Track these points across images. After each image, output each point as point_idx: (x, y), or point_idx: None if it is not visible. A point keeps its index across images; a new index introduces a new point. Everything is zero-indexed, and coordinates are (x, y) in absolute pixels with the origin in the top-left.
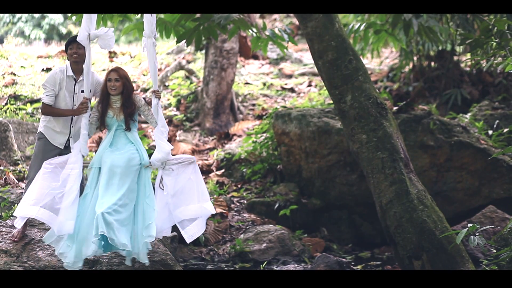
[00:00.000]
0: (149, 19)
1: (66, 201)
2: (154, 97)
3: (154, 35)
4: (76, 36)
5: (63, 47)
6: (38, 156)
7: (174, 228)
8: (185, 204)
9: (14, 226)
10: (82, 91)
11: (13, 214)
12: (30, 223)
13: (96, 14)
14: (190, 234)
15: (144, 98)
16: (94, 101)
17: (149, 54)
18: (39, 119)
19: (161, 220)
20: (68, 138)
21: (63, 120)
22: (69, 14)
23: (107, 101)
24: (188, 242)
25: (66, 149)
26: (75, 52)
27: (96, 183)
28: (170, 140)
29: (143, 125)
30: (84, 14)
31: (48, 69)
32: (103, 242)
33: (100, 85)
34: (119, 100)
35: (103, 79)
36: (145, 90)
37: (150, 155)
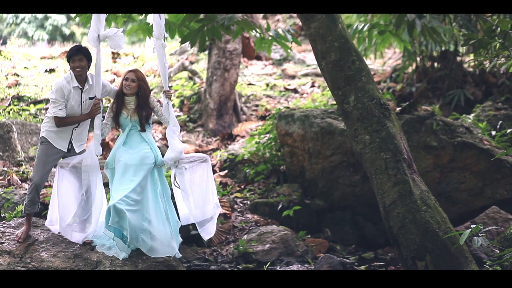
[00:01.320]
0: (158, 21)
1: (95, 211)
2: (164, 97)
3: (163, 37)
4: (75, 48)
5: (66, 48)
6: (42, 159)
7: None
8: (204, 204)
9: (17, 227)
10: (90, 98)
11: (60, 233)
12: (33, 224)
13: (105, 15)
14: (208, 232)
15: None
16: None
17: (159, 55)
18: (42, 120)
19: (182, 212)
20: (70, 140)
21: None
22: (73, 15)
23: (122, 101)
24: (205, 240)
25: (69, 152)
26: (78, 66)
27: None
28: None
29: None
30: (93, 15)
31: (52, 70)
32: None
33: (105, 88)
34: (134, 101)
35: (107, 81)
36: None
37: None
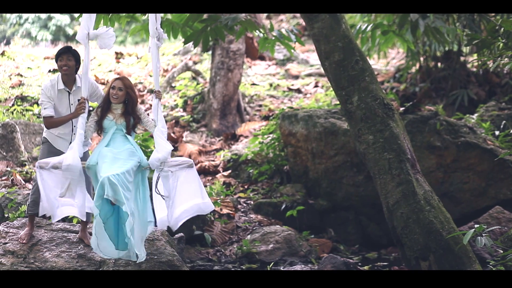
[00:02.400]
0: (153, 20)
1: (79, 196)
2: (155, 97)
3: (158, 36)
4: (65, 47)
5: None
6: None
7: (181, 229)
8: (183, 202)
9: (21, 227)
10: (79, 100)
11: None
12: (37, 224)
13: (95, 14)
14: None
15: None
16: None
17: (153, 55)
18: None
19: (160, 221)
20: (71, 142)
21: (63, 126)
22: (76, 15)
23: (108, 107)
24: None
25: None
26: (65, 64)
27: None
28: (177, 141)
29: None
30: (83, 14)
31: (55, 70)
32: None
33: (95, 90)
34: (120, 108)
35: (97, 83)
36: (151, 91)
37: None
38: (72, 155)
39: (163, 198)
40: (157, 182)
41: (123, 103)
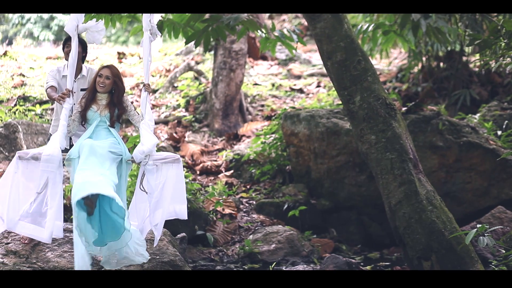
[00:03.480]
0: (147, 15)
1: (53, 202)
2: (144, 90)
3: (150, 30)
4: None
5: None
6: None
7: (183, 229)
8: (163, 206)
9: None
10: (82, 89)
11: None
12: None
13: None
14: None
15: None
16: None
17: (145, 48)
18: (48, 120)
19: (142, 220)
20: (70, 137)
21: (63, 120)
22: None
23: (93, 96)
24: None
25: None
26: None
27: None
28: (179, 141)
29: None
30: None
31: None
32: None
33: (93, 74)
34: (106, 98)
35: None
36: (154, 91)
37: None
38: (53, 145)
39: (147, 194)
40: (142, 178)
41: (109, 93)
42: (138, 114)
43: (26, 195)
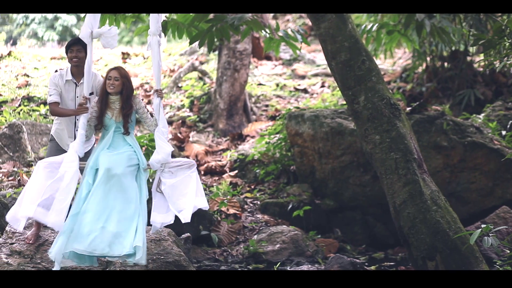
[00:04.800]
0: (156, 17)
1: (60, 198)
2: (156, 96)
3: (159, 34)
4: (75, 38)
5: None
6: (51, 156)
7: (187, 229)
8: (182, 195)
9: (27, 228)
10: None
11: (7, 217)
12: (43, 225)
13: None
14: (184, 217)
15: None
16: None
17: (153, 52)
18: (53, 120)
19: (160, 217)
20: (74, 137)
21: (67, 123)
22: (82, 15)
23: (106, 100)
24: (183, 222)
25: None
26: (76, 56)
27: (91, 182)
28: (184, 141)
29: None
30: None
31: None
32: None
33: (97, 79)
34: (118, 101)
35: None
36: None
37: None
38: (72, 154)
39: (163, 196)
40: (158, 182)
41: (120, 94)
42: (151, 118)
43: (44, 189)
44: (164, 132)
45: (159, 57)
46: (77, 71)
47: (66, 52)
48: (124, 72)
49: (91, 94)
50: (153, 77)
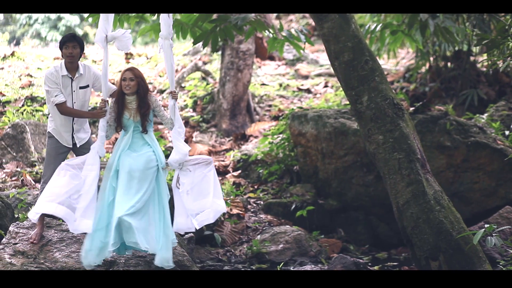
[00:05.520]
0: (166, 20)
1: (83, 201)
2: (171, 98)
3: (171, 36)
4: (70, 35)
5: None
6: (51, 154)
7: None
8: (200, 198)
9: (31, 228)
10: (80, 88)
11: (29, 213)
12: (47, 225)
13: (113, 15)
14: (200, 221)
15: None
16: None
17: (166, 55)
18: None
19: (180, 218)
20: (72, 135)
21: (65, 119)
22: (86, 15)
23: (123, 101)
24: (197, 228)
25: (74, 146)
26: (71, 52)
27: (114, 185)
28: (187, 141)
29: (160, 126)
30: (100, 15)
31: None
32: (119, 245)
33: (98, 79)
34: (135, 101)
35: (99, 73)
36: (161, 91)
37: (166, 157)
38: (93, 156)
39: (183, 192)
40: (177, 179)
41: (136, 94)
42: (168, 116)
43: (65, 188)
44: (181, 132)
45: (172, 60)
46: (71, 66)
47: (61, 48)
48: (138, 72)
49: (86, 86)
50: (167, 79)
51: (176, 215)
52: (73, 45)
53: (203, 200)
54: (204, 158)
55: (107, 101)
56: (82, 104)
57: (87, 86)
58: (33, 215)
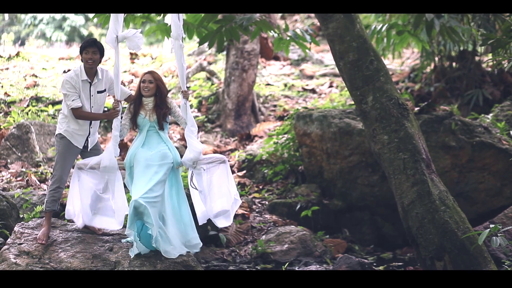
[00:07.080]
0: (176, 21)
1: (118, 199)
2: (182, 97)
3: (182, 37)
4: (91, 40)
5: None
6: (63, 154)
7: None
8: (219, 197)
9: (36, 228)
10: (98, 92)
11: (76, 222)
12: (52, 224)
13: (123, 15)
14: (223, 222)
15: None
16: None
17: (177, 56)
18: None
19: (198, 215)
20: (87, 138)
21: (82, 122)
22: (91, 15)
23: (139, 102)
24: (219, 226)
25: (85, 148)
26: (91, 58)
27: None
28: None
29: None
30: (111, 16)
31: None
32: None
33: (110, 81)
34: (152, 102)
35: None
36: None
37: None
38: (108, 156)
39: (199, 192)
40: (191, 179)
41: (153, 96)
42: (183, 117)
43: (91, 195)
44: (194, 131)
45: (183, 60)
46: (91, 71)
47: (81, 53)
48: (158, 75)
49: (104, 91)
50: (172, 79)
51: (196, 210)
52: (93, 51)
53: (223, 199)
54: (217, 156)
55: (120, 101)
56: (99, 108)
57: (104, 90)
58: (80, 224)
